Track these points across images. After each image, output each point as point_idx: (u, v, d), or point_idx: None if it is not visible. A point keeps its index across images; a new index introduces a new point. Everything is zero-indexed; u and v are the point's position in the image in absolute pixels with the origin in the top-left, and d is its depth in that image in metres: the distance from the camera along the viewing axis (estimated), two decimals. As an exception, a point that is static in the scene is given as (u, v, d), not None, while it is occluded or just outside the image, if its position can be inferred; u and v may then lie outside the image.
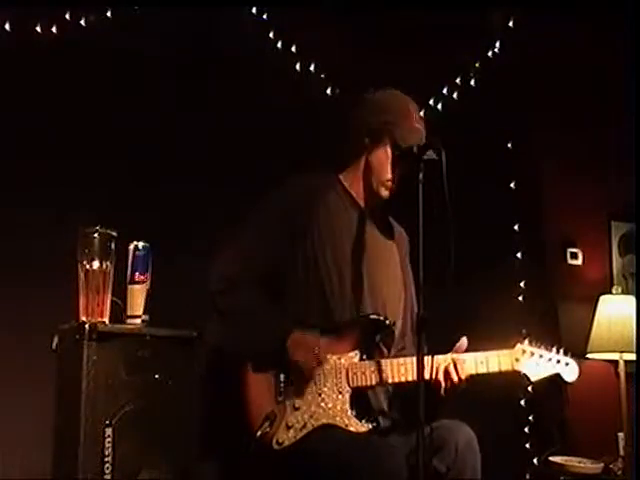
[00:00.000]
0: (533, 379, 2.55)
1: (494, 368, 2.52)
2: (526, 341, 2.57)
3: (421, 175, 2.38)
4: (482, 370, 2.51)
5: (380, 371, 2.47)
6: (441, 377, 2.46)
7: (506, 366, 2.53)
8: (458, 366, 2.47)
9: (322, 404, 2.45)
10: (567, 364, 2.56)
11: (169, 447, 2.96)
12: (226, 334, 2.55)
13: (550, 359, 2.56)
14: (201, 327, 2.98)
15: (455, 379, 2.47)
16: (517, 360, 2.53)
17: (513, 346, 2.55)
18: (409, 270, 2.72)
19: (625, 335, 4.43)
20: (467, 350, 2.52)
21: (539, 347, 2.56)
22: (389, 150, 2.60)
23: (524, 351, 2.54)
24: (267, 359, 2.45)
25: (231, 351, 2.51)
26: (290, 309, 2.52)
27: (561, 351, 2.58)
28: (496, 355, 2.53)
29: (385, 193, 2.62)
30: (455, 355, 2.50)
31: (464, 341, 2.52)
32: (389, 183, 2.61)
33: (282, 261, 2.54)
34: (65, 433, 2.92)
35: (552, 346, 2.58)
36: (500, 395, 3.91)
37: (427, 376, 2.34)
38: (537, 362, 2.54)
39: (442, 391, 2.47)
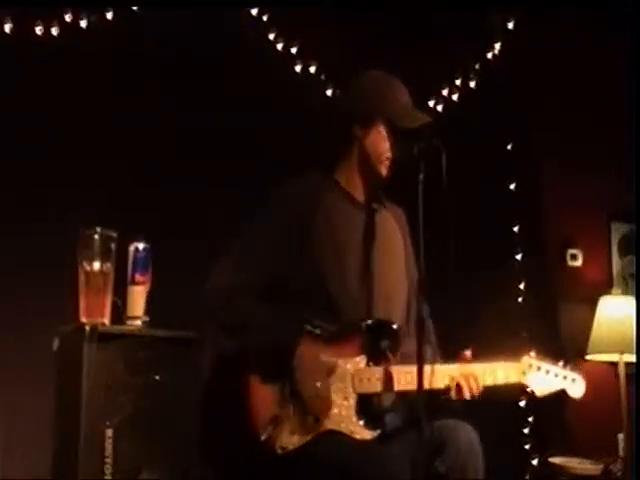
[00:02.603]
0: (539, 394, 2.51)
1: (501, 380, 2.49)
2: (532, 354, 2.54)
3: (421, 175, 2.37)
4: (489, 382, 2.48)
5: (386, 378, 2.44)
6: (453, 391, 2.42)
7: (513, 379, 2.50)
8: (472, 384, 2.43)
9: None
10: (574, 380, 2.52)
11: (169, 447, 2.96)
12: (230, 342, 2.53)
13: (557, 375, 2.51)
14: (201, 328, 2.98)
15: (467, 397, 2.43)
16: (524, 374, 2.50)
17: (520, 359, 2.52)
18: (411, 249, 2.69)
19: (625, 336, 4.43)
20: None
21: (546, 362, 2.52)
22: (382, 129, 2.57)
23: (531, 365, 2.51)
24: (273, 363, 2.42)
25: (232, 355, 2.49)
26: (295, 314, 2.48)
27: (568, 367, 2.54)
28: (503, 367, 2.50)
29: (385, 172, 2.58)
30: (469, 368, 2.46)
31: (469, 354, 2.50)
32: (387, 161, 2.57)
33: (284, 269, 2.50)
34: (65, 433, 2.93)
35: (559, 360, 2.54)
36: (500, 396, 3.91)
37: (435, 385, 2.34)
38: (544, 378, 2.50)
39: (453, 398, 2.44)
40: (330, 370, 2.43)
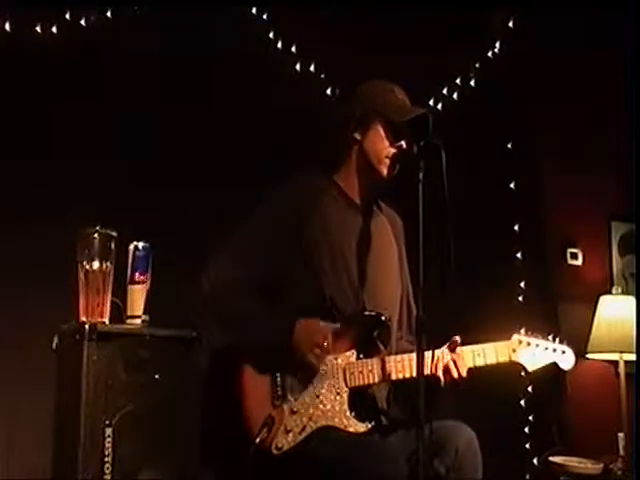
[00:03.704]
0: (530, 369, 2.55)
1: (491, 360, 2.51)
2: (522, 331, 2.57)
3: (421, 174, 2.38)
4: (480, 363, 2.50)
5: (378, 369, 2.46)
6: (440, 373, 2.46)
7: (503, 357, 2.52)
8: (458, 362, 2.47)
9: (320, 406, 2.43)
10: (563, 352, 2.57)
11: (169, 447, 2.96)
12: (226, 338, 2.54)
13: (547, 348, 2.55)
14: (200, 328, 2.98)
15: (455, 375, 2.47)
16: (514, 351, 2.53)
17: (510, 337, 2.55)
18: (405, 257, 2.72)
19: (625, 335, 4.43)
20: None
21: (536, 337, 2.56)
22: (380, 128, 2.58)
23: (520, 341, 2.54)
24: (269, 357, 2.44)
25: (232, 354, 2.49)
26: (290, 310, 2.49)
27: (557, 340, 2.58)
28: (493, 347, 2.52)
29: (386, 171, 2.58)
30: (455, 351, 2.49)
31: (458, 339, 2.51)
32: (388, 160, 2.58)
33: (278, 265, 2.52)
34: (65, 433, 2.93)
35: (548, 334, 2.58)
36: (500, 395, 3.92)
37: (426, 371, 2.35)
38: (534, 352, 2.54)
39: (442, 384, 2.47)
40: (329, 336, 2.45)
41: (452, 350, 2.48)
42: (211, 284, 2.52)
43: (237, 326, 2.50)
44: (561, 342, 2.58)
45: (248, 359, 2.46)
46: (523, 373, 2.58)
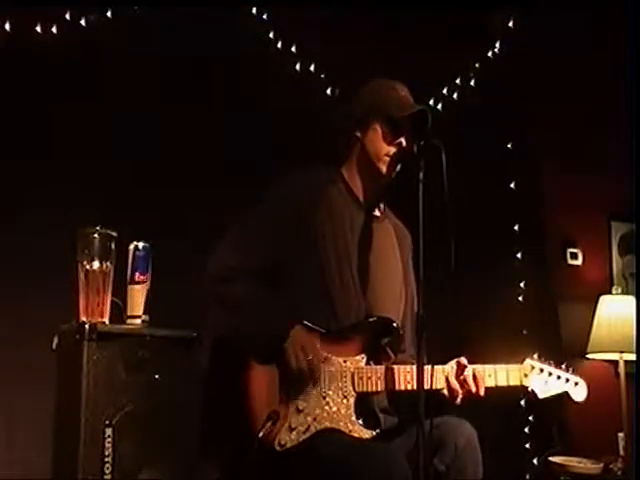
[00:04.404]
0: (541, 396, 2.53)
1: (502, 382, 2.51)
2: (535, 356, 2.56)
3: (421, 174, 2.37)
4: (490, 383, 2.50)
5: (386, 377, 2.44)
6: (457, 386, 2.45)
7: (514, 381, 2.52)
8: (479, 379, 2.47)
9: (326, 407, 2.40)
10: (576, 383, 2.55)
11: (169, 447, 2.95)
12: (226, 324, 2.52)
13: (559, 377, 2.54)
14: (201, 327, 2.98)
15: (473, 390, 2.46)
16: (526, 376, 2.53)
17: (522, 361, 2.54)
18: (410, 267, 2.70)
19: (625, 335, 4.44)
20: (470, 354, 2.51)
21: (548, 364, 2.54)
22: (380, 127, 2.58)
23: (533, 367, 2.53)
24: (266, 352, 2.41)
25: (232, 342, 2.47)
26: (292, 307, 2.47)
27: (570, 369, 2.56)
28: (505, 369, 2.52)
29: (385, 169, 2.58)
30: (475, 367, 2.48)
31: (463, 360, 2.50)
32: (387, 158, 2.58)
33: (283, 256, 2.50)
34: (65, 433, 2.92)
35: (561, 363, 2.56)
36: (500, 395, 3.91)
37: (435, 385, 2.37)
38: (546, 380, 2.53)
39: (458, 400, 2.46)
40: (325, 357, 2.43)
41: (461, 371, 2.47)
42: (217, 265, 2.51)
43: (240, 311, 2.47)
44: (573, 372, 2.56)
45: (253, 351, 2.42)
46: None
